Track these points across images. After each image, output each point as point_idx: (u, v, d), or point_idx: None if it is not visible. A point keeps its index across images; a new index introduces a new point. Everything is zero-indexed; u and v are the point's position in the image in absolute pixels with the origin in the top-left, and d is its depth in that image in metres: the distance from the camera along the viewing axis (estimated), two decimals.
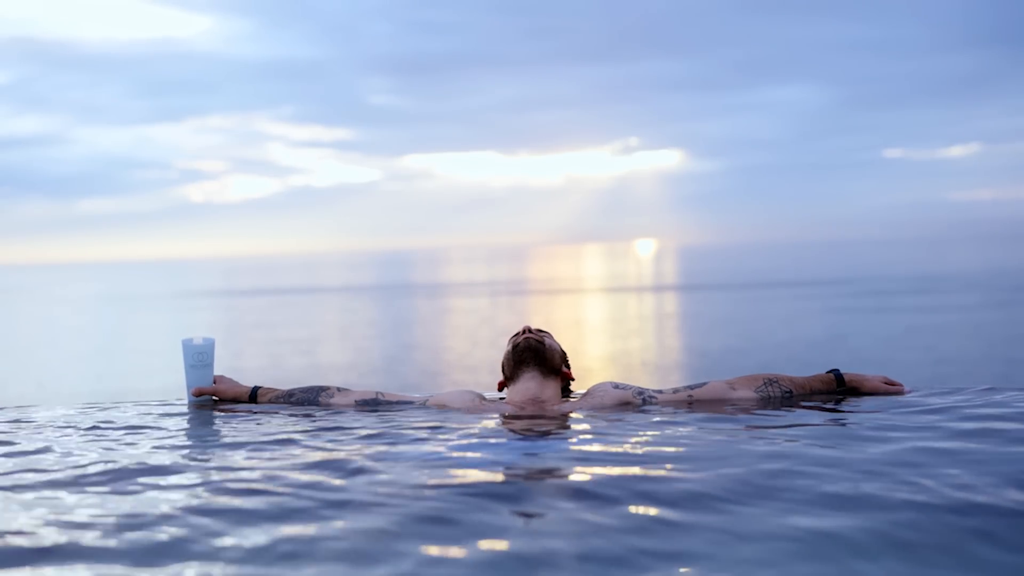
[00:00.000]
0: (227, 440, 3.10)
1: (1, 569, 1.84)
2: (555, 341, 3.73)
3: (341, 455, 2.76)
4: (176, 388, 4.13)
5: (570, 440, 2.99)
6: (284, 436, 3.09)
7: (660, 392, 3.60)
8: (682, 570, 1.80)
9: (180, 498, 2.32)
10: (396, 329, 27.18)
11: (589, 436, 3.02)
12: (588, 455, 2.73)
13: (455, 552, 1.88)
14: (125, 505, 2.27)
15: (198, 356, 3.84)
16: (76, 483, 2.50)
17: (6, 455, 2.91)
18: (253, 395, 3.86)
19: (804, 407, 3.38)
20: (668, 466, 2.52)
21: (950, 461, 2.50)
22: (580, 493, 2.30)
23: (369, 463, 2.64)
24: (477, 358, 18.68)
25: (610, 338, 22.24)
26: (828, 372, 3.64)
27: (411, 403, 3.69)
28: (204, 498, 2.32)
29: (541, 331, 3.73)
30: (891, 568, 1.80)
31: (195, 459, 2.81)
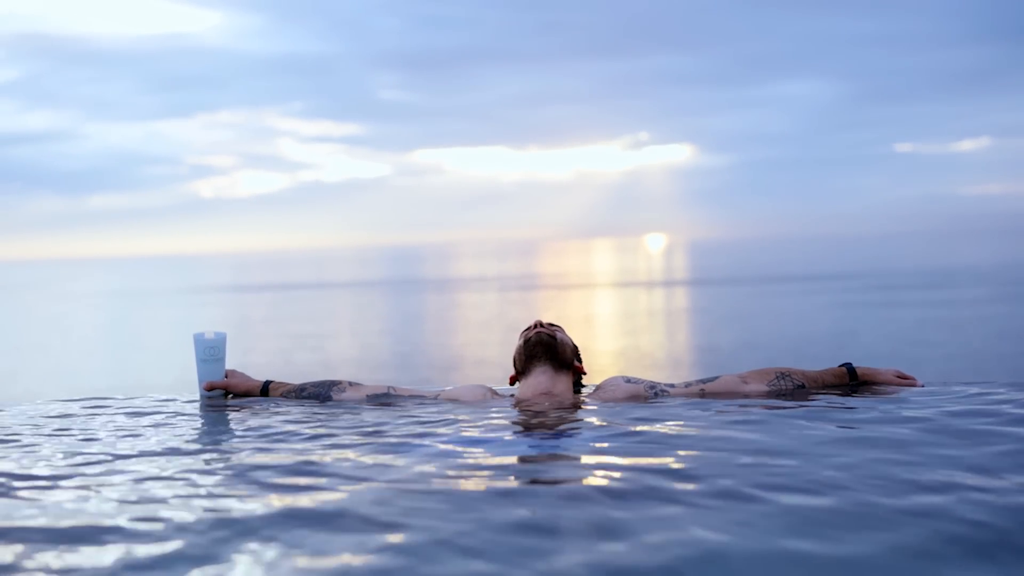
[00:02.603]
0: (239, 435, 3.10)
1: (9, 564, 1.85)
2: (567, 335, 3.72)
3: (353, 450, 2.76)
4: (188, 382, 4.14)
5: (581, 434, 2.99)
6: (296, 431, 3.09)
7: (672, 386, 3.59)
8: (692, 563, 1.79)
9: (190, 493, 2.32)
10: (406, 324, 27.21)
11: (601, 430, 3.01)
12: (600, 449, 2.72)
13: (466, 545, 1.88)
14: (133, 499, 2.27)
15: (209, 350, 3.85)
16: (84, 476, 2.51)
17: (18, 449, 2.92)
18: (265, 389, 3.86)
19: (816, 401, 3.37)
20: (680, 461, 2.52)
21: (964, 457, 2.48)
22: (591, 487, 2.30)
23: (380, 458, 2.64)
24: (488, 353, 18.68)
25: (621, 333, 22.23)
26: (841, 366, 3.63)
27: (423, 397, 3.69)
28: (214, 493, 2.32)
29: (553, 325, 3.72)
30: (900, 563, 1.79)
31: (206, 454, 2.82)
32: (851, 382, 3.58)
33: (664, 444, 2.72)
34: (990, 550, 1.85)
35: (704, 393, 3.55)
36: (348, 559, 1.83)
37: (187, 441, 3.01)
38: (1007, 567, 1.79)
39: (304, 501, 2.21)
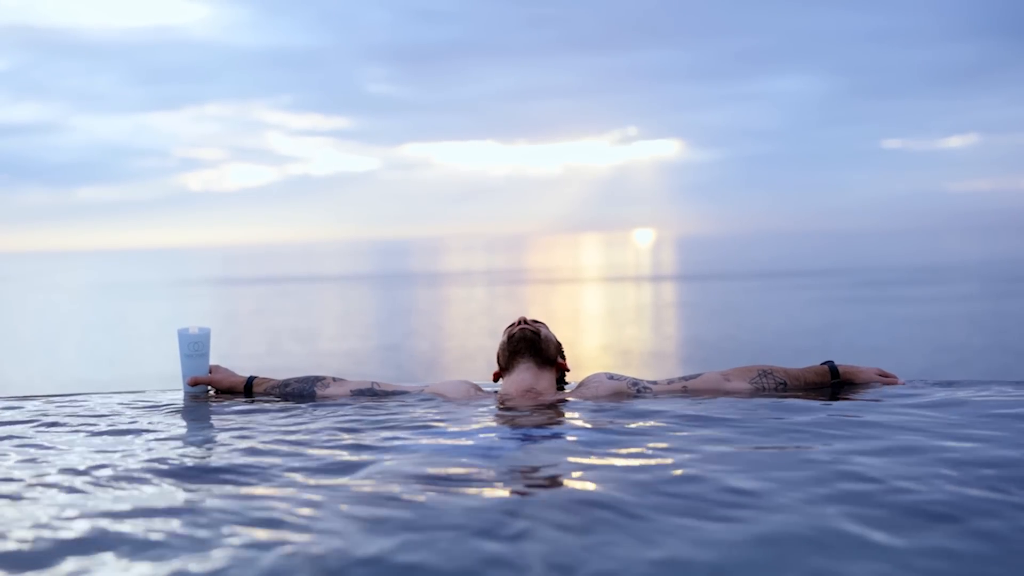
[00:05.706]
0: (221, 432, 3.10)
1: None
2: (550, 332, 3.73)
3: (335, 447, 2.76)
4: (172, 377, 4.13)
5: (564, 431, 2.99)
6: (278, 428, 3.09)
7: (655, 383, 3.60)
8: (671, 562, 1.80)
9: (171, 491, 2.32)
10: (394, 318, 27.18)
11: (583, 427, 3.02)
12: (581, 446, 2.73)
13: (448, 543, 1.89)
14: (116, 497, 2.27)
15: (193, 346, 3.84)
16: (67, 475, 2.50)
17: None
18: (248, 385, 3.85)
19: (798, 399, 3.38)
20: (661, 458, 2.53)
21: (941, 457, 2.50)
22: (573, 485, 2.31)
23: (363, 455, 2.64)
24: (474, 348, 18.68)
25: (608, 328, 22.25)
26: (823, 364, 3.64)
27: (406, 393, 3.70)
28: (196, 491, 2.32)
29: (536, 322, 3.73)
30: (880, 566, 1.80)
31: (188, 451, 2.82)
32: (833, 380, 3.60)
33: (644, 442, 2.72)
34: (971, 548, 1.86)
35: (687, 390, 3.56)
36: (328, 560, 1.83)
37: (168, 437, 3.01)
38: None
39: (281, 501, 2.21)
